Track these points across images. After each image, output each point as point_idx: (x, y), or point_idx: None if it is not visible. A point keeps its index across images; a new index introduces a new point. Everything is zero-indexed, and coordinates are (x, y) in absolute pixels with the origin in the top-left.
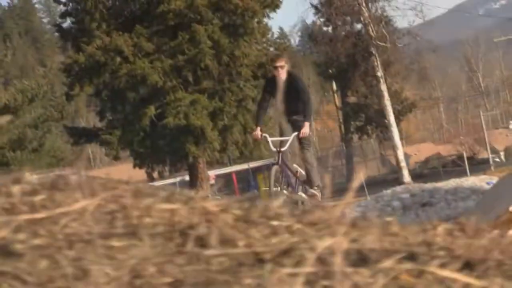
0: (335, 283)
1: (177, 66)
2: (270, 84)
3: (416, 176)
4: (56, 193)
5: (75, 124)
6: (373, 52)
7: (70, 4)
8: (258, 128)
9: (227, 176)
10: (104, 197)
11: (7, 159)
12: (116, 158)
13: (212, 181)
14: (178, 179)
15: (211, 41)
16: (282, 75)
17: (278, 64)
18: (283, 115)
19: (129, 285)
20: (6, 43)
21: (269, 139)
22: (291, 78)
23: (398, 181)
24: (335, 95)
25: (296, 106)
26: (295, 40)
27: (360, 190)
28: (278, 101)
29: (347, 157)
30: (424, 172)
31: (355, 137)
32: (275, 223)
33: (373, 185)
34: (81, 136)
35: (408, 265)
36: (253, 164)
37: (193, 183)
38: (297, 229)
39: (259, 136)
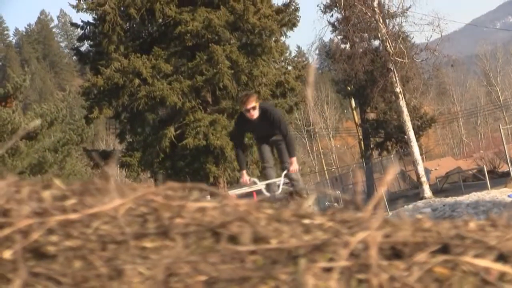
0: (370, 276)
1: (196, 86)
2: (243, 123)
3: (437, 191)
4: (86, 197)
5: (95, 147)
6: (391, 68)
7: (88, 27)
8: (244, 173)
9: (249, 195)
10: (135, 199)
11: None
12: (137, 180)
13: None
14: None
15: (229, 61)
16: (255, 115)
17: (249, 106)
18: (262, 143)
19: (164, 284)
20: (25, 68)
21: (259, 183)
22: (266, 114)
23: (419, 196)
24: (354, 112)
25: (274, 133)
26: (313, 58)
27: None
28: (256, 139)
29: (367, 173)
30: (445, 186)
31: (375, 153)
32: (307, 221)
33: (394, 200)
34: (101, 159)
35: (442, 258)
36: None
37: None
38: (329, 227)
39: (247, 182)
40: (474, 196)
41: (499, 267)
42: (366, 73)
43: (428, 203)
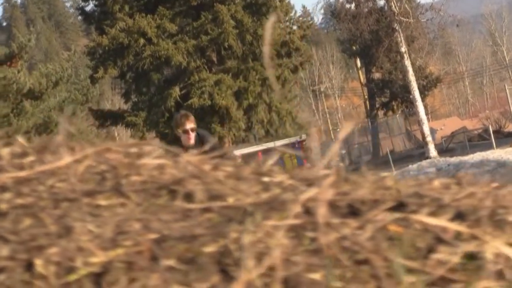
0: (319, 235)
1: (201, 46)
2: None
3: (442, 150)
4: (46, 154)
5: (100, 107)
6: (397, 28)
7: None
8: None
9: (254, 155)
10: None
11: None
12: (142, 139)
13: (239, 160)
14: None
15: (234, 21)
16: (192, 140)
17: (188, 126)
18: None
19: (112, 241)
20: (30, 28)
21: None
22: (203, 142)
23: (424, 155)
24: (360, 71)
25: None
26: (318, 18)
27: (387, 165)
28: None
29: (373, 133)
30: (450, 146)
31: (381, 113)
32: (266, 179)
33: (399, 160)
34: (106, 118)
35: (395, 215)
36: (279, 143)
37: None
38: (289, 184)
39: None
40: (478, 156)
41: (453, 226)
42: (371, 32)
43: (433, 162)
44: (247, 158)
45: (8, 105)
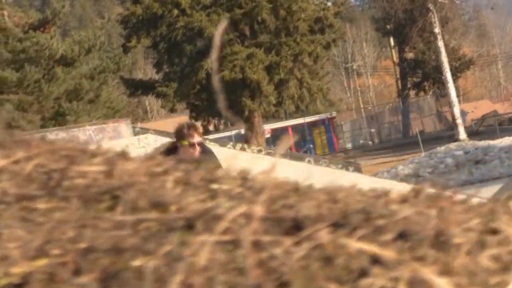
0: (246, 253)
1: (234, 19)
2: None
3: (472, 133)
4: None
5: (133, 76)
6: (431, 8)
7: None
8: None
9: (283, 130)
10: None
11: (64, 110)
12: (173, 110)
13: (268, 135)
14: (233, 132)
15: None
16: (197, 153)
17: (195, 140)
18: None
19: (39, 250)
20: (63, 4)
21: None
22: (206, 157)
23: (454, 138)
24: (393, 50)
25: None
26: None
27: (416, 146)
28: None
29: (404, 113)
30: (480, 129)
31: (412, 93)
32: (215, 186)
33: (429, 141)
34: (137, 87)
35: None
36: (309, 119)
37: (249, 139)
38: (237, 193)
39: None
40: (507, 141)
41: (373, 249)
42: (406, 12)
43: (461, 145)
44: (277, 132)
45: (39, 71)
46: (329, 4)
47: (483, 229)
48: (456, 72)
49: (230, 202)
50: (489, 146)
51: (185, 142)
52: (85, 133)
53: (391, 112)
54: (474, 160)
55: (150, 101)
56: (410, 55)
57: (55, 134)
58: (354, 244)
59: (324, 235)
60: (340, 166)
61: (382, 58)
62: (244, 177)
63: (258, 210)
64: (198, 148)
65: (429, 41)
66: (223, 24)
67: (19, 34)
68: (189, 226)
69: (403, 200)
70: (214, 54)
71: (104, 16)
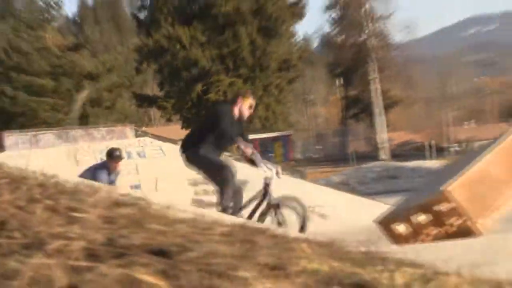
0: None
1: (222, 55)
2: (232, 121)
3: (394, 155)
4: None
5: (143, 91)
6: (371, 59)
7: (149, 1)
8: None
9: (252, 141)
10: None
11: (87, 113)
12: (169, 120)
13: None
14: None
15: (249, 39)
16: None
17: (253, 102)
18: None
19: None
20: (95, 26)
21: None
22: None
23: (377, 157)
24: (339, 89)
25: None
26: (314, 43)
27: (349, 161)
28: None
29: (343, 135)
30: (400, 153)
31: (351, 121)
32: (75, 214)
33: (359, 158)
34: (144, 101)
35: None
36: (272, 135)
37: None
38: (89, 221)
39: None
40: (415, 164)
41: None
42: (352, 60)
43: (382, 164)
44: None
45: (71, 82)
46: (295, 49)
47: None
48: (387, 108)
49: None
50: (402, 166)
51: (248, 102)
52: (99, 133)
53: (334, 134)
54: (390, 175)
55: (154, 111)
56: (352, 92)
57: (77, 132)
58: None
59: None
60: (287, 172)
61: (332, 94)
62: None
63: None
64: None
65: (368, 83)
66: None
67: (58, 52)
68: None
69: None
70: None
71: (123, 44)
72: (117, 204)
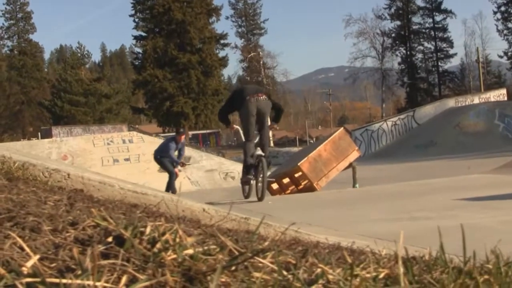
0: None
1: (181, 85)
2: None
3: (277, 144)
4: None
5: (136, 105)
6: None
7: (140, 54)
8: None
9: (197, 135)
10: None
11: (103, 117)
12: (150, 122)
13: (190, 136)
14: (173, 134)
15: (196, 77)
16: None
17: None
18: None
19: None
20: (110, 67)
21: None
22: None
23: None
24: None
25: None
26: (234, 79)
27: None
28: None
29: None
30: (279, 143)
31: None
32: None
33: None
34: (137, 111)
35: None
36: (208, 131)
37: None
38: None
39: (234, 128)
40: (287, 149)
41: None
42: None
43: (270, 149)
44: (195, 136)
45: (95, 99)
46: (222, 84)
47: None
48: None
49: None
50: (280, 150)
51: (177, 136)
52: (107, 128)
53: None
54: (273, 156)
55: (142, 117)
56: None
57: (94, 127)
58: None
59: None
60: (216, 153)
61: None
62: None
63: None
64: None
65: None
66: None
67: (87, 82)
68: None
69: None
70: None
71: (127, 78)
72: None
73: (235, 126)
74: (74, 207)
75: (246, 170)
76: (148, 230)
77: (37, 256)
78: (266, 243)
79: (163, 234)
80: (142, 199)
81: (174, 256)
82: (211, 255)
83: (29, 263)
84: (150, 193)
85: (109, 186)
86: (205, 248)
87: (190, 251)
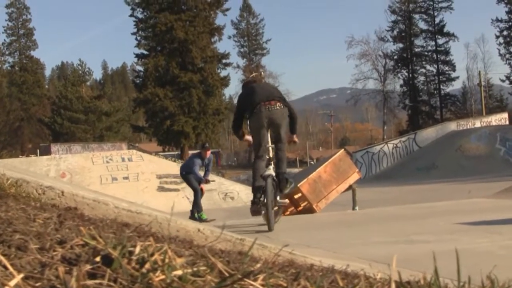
0: None
1: (182, 104)
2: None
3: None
4: None
5: (137, 124)
6: None
7: (141, 72)
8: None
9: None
10: None
11: (103, 134)
12: (150, 140)
13: (190, 155)
14: (176, 152)
15: (197, 96)
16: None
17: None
18: None
19: None
20: (111, 85)
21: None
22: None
23: None
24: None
25: None
26: (235, 99)
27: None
28: None
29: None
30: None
31: None
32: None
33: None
34: (136, 129)
35: None
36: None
37: (182, 156)
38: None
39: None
40: (289, 170)
41: None
42: None
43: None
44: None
45: (95, 117)
46: (224, 103)
47: None
48: None
49: None
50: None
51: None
52: (106, 146)
53: (245, 151)
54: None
55: (142, 135)
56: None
57: (94, 145)
58: None
59: None
60: (214, 173)
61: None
62: None
63: None
64: (209, 152)
65: None
66: None
67: (88, 99)
68: None
69: None
70: None
71: (128, 96)
72: None
73: (247, 136)
74: (63, 225)
75: (254, 195)
76: (137, 250)
77: (21, 275)
78: (258, 265)
79: (152, 254)
80: (137, 218)
81: (163, 277)
82: (200, 276)
83: (12, 282)
84: (145, 212)
85: (104, 205)
86: (195, 269)
87: (179, 272)
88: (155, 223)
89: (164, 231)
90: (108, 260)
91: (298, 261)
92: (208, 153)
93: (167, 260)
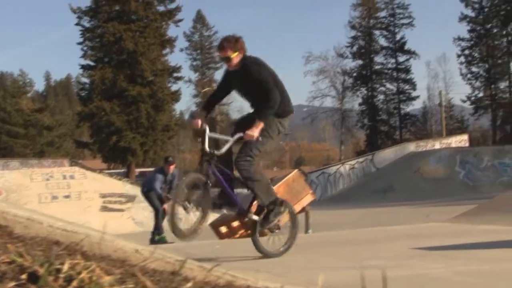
0: None
1: (129, 119)
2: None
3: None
4: None
5: (80, 139)
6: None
7: (87, 85)
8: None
9: (145, 173)
10: None
11: (44, 150)
12: (95, 157)
13: (137, 174)
14: (122, 170)
15: (146, 111)
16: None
17: (222, 55)
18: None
19: None
20: (54, 97)
21: (208, 133)
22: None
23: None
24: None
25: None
26: (186, 115)
27: None
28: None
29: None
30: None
31: None
32: None
33: None
34: (80, 145)
35: None
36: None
37: (128, 174)
38: None
39: (198, 125)
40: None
41: None
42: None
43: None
44: (142, 173)
45: (36, 131)
46: (174, 118)
47: None
48: None
49: None
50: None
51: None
52: (47, 162)
53: (196, 170)
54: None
55: (86, 151)
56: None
57: (33, 161)
58: None
59: None
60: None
61: (195, 146)
62: None
63: None
64: (229, 63)
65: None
66: None
67: (29, 112)
68: None
69: None
70: None
71: (72, 110)
72: None
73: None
74: None
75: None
76: (65, 267)
77: None
78: (189, 284)
79: (80, 272)
80: (71, 237)
81: None
82: None
83: None
84: (81, 231)
85: (38, 223)
86: (123, 287)
87: None
88: (86, 242)
89: (96, 250)
90: (34, 278)
91: (237, 284)
92: (172, 168)
93: (94, 278)
